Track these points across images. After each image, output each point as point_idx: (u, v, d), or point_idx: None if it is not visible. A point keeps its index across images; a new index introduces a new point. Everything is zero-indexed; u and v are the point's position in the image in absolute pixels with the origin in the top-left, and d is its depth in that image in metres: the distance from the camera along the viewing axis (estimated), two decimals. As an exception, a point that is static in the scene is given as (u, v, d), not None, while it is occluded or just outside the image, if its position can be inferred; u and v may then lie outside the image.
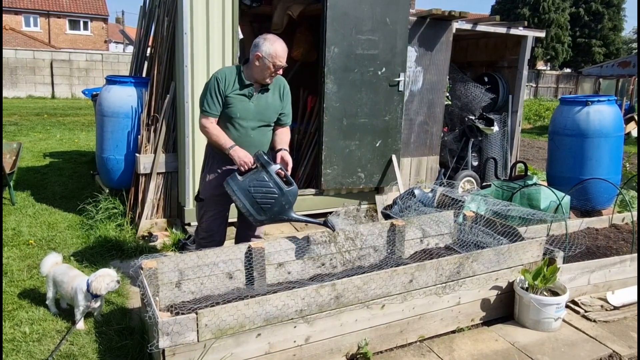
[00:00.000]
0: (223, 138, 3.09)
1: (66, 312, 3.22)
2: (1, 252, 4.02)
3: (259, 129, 3.19)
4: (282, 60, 3.06)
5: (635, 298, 3.54)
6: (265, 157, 3.02)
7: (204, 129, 3.14)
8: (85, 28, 34.82)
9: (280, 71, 3.13)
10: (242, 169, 3.03)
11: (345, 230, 3.53)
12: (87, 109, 15.20)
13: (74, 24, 34.36)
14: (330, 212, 5.34)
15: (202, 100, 3.13)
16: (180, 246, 4.28)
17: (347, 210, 3.65)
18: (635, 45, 36.95)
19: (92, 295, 3.00)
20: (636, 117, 13.64)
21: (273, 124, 3.28)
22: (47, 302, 3.23)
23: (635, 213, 4.82)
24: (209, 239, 3.38)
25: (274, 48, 3.03)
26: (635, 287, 3.62)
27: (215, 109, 3.09)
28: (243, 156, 3.03)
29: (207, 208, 3.32)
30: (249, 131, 3.15)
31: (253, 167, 3.05)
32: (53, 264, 3.23)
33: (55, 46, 28.36)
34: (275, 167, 3.02)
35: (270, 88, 3.19)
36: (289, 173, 3.09)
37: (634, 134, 13.27)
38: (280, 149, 3.19)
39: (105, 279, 3.02)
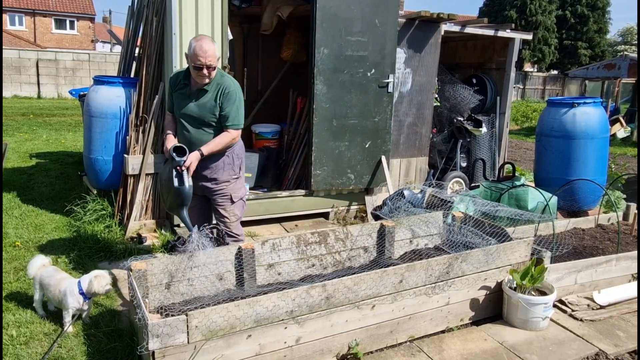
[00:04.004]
0: (166, 127, 3.40)
1: (54, 314, 3.18)
2: (1, 251, 3.97)
3: (199, 128, 3.25)
4: (201, 60, 3.03)
5: (621, 297, 3.59)
6: (173, 152, 3.05)
7: None
8: (72, 27, 34.45)
9: (205, 71, 3.08)
10: (166, 155, 3.21)
11: (335, 231, 3.54)
12: (73, 109, 15.04)
13: (60, 23, 33.99)
14: (323, 213, 5.40)
15: None
16: (169, 247, 4.25)
17: (337, 212, 3.64)
18: (620, 47, 37.46)
19: (85, 297, 2.98)
20: (621, 119, 13.83)
21: (214, 124, 3.25)
22: (34, 305, 3.19)
23: (621, 213, 4.90)
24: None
25: (193, 47, 3.05)
26: (622, 287, 3.67)
27: (170, 104, 3.43)
28: (165, 144, 3.24)
29: None
30: (190, 129, 3.26)
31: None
32: (40, 267, 3.19)
33: (41, 45, 28.00)
34: (175, 163, 3.05)
35: (210, 89, 3.20)
36: (188, 173, 3.09)
37: (619, 135, 13.46)
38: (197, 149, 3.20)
39: (102, 280, 3.01)
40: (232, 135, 3.26)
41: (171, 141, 3.23)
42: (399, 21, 5.34)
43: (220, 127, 3.25)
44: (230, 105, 3.21)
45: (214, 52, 3.07)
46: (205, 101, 3.20)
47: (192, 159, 3.12)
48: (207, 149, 3.18)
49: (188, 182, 3.08)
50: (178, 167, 3.04)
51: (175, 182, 3.04)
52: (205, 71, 3.08)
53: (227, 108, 3.20)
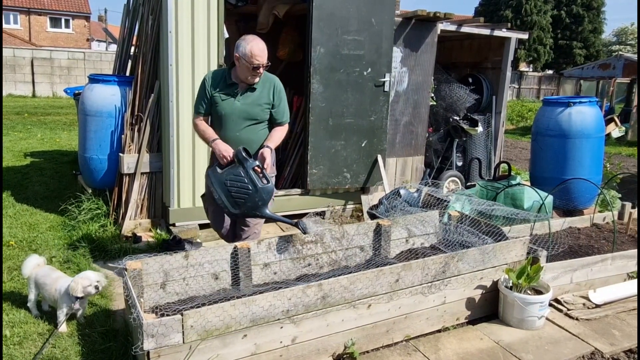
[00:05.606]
0: (208, 133, 3.25)
1: (48, 314, 3.16)
2: (1, 251, 3.94)
3: (249, 127, 3.25)
4: (259, 60, 3.08)
5: (617, 296, 3.60)
6: (243, 153, 3.04)
7: (194, 126, 3.34)
8: (67, 26, 34.30)
9: (261, 70, 3.15)
10: (222, 162, 3.12)
11: (331, 230, 3.53)
12: (68, 107, 14.97)
13: (55, 22, 33.82)
14: (319, 212, 5.38)
15: (195, 100, 3.33)
16: (165, 247, 4.23)
17: (333, 211, 3.64)
18: (615, 47, 37.61)
19: (74, 297, 2.95)
20: (616, 118, 13.88)
21: (266, 122, 3.31)
22: (28, 305, 3.17)
23: (616, 212, 4.91)
24: (216, 233, 3.56)
25: (249, 48, 3.06)
26: (617, 286, 3.68)
27: (202, 107, 3.27)
28: (223, 149, 3.13)
29: (209, 203, 3.44)
30: (238, 129, 3.23)
31: (233, 161, 3.11)
32: (35, 266, 3.17)
33: (36, 44, 27.87)
34: (252, 164, 3.05)
35: (258, 87, 3.23)
36: (266, 170, 3.11)
37: (614, 135, 13.52)
38: (263, 146, 3.22)
39: (84, 281, 2.94)
40: (286, 129, 3.38)
41: (226, 146, 3.15)
42: (395, 20, 5.34)
43: (262, 122, 3.28)
44: (283, 101, 3.32)
45: (266, 50, 3.14)
46: (255, 99, 3.23)
47: (269, 156, 3.15)
48: (273, 144, 3.24)
49: (269, 178, 3.13)
50: (256, 168, 3.06)
51: (260, 183, 3.05)
52: (261, 70, 3.14)
53: (281, 104, 3.31)
